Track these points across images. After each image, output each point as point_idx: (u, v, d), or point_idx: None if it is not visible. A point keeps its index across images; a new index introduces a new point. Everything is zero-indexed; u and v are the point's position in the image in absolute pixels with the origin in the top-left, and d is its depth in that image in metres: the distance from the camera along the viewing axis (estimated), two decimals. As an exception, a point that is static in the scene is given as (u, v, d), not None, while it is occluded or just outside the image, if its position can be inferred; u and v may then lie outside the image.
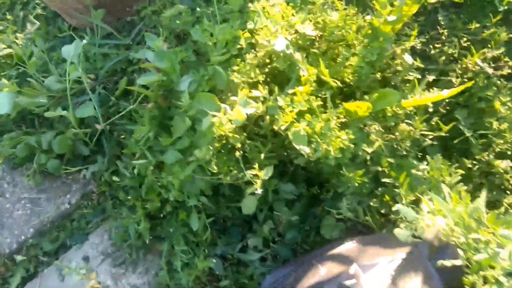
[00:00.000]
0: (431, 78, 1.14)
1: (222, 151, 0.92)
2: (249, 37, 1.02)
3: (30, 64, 1.12)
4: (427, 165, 0.92)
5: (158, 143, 0.98)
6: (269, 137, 0.96)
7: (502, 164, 0.98)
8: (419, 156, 1.00)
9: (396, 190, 0.93)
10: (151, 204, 1.02)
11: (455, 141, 1.02)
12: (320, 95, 0.96)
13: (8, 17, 1.40)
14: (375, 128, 0.97)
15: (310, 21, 1.03)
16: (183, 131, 0.93)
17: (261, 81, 0.96)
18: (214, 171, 0.90)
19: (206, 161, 0.91)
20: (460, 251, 0.71)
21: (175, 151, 0.94)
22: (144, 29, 1.19)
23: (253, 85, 0.99)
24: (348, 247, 0.85)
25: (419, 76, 1.10)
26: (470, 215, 0.73)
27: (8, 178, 1.16)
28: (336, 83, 0.95)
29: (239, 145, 0.89)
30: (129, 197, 1.05)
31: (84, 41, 1.02)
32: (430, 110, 1.00)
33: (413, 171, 0.96)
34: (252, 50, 1.01)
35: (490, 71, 1.05)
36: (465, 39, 1.13)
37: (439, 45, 1.17)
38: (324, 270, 0.80)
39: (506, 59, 1.08)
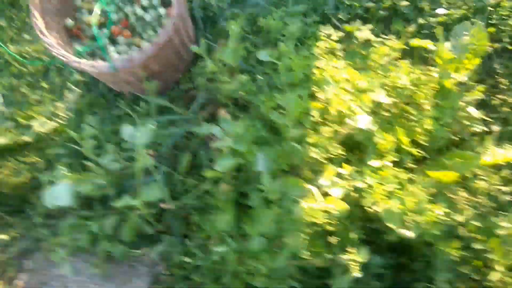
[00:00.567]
0: (495, 128, 1.15)
1: (314, 235, 0.90)
2: (320, 108, 1.01)
3: (86, 146, 1.08)
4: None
5: (239, 228, 0.95)
6: (356, 215, 0.94)
7: None
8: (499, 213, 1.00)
9: (488, 255, 0.93)
10: (234, 290, 0.99)
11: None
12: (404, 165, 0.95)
13: (44, 84, 1.35)
14: (462, 195, 0.96)
15: (381, 87, 1.03)
16: (269, 219, 0.91)
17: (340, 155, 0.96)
18: (306, 258, 0.89)
19: (297, 247, 0.89)
20: None
21: (261, 237, 0.92)
22: (201, 100, 1.17)
23: (332, 160, 0.98)
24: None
25: (486, 129, 1.11)
26: None
27: (70, 266, 1.11)
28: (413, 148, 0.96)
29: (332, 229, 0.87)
30: (206, 281, 1.02)
31: (152, 127, 0.98)
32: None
33: (498, 231, 0.96)
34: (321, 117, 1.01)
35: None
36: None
37: (500, 95, 1.18)
38: None
39: None
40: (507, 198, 1.01)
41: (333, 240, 0.87)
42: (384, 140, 0.96)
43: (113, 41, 1.21)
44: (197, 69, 1.22)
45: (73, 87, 1.33)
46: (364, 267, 0.98)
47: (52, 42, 1.02)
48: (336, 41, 1.19)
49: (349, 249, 0.87)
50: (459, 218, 0.94)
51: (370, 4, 1.30)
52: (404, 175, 0.93)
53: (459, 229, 0.96)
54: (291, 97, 1.01)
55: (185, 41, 1.17)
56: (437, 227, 0.90)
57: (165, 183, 1.10)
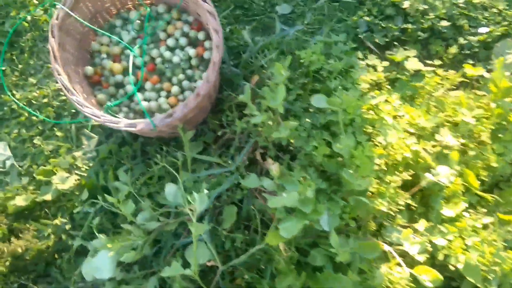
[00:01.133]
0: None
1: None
2: (382, 154, 0.95)
3: (125, 210, 0.99)
4: None
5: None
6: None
7: None
8: None
9: None
10: None
11: None
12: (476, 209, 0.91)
13: (58, 132, 1.24)
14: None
15: (444, 126, 0.98)
16: (342, 286, 0.85)
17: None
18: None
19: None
20: None
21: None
22: (241, 147, 1.09)
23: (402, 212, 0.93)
24: None
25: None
26: None
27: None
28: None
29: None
30: None
31: (206, 192, 0.90)
32: None
33: None
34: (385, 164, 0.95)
35: None
36: None
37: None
38: None
39: None
40: None
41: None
42: (453, 184, 0.92)
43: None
44: (232, 112, 1.14)
45: (91, 134, 1.22)
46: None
47: (82, 101, 0.92)
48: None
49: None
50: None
51: (408, 26, 1.24)
52: (479, 223, 0.89)
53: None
54: (349, 144, 0.94)
55: (216, 80, 1.08)
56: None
57: (210, 241, 1.02)
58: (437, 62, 1.19)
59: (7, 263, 1.10)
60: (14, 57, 1.31)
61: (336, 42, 1.16)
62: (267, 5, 1.32)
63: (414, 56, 1.18)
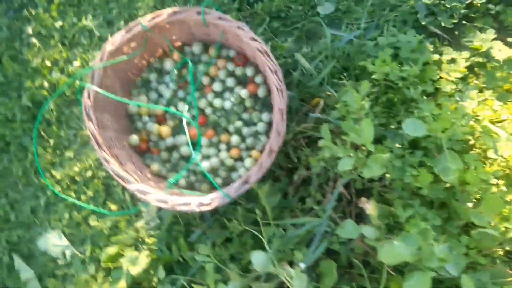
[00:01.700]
0: None
1: None
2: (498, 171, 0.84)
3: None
4: None
5: None
6: None
7: None
8: None
9: None
10: None
11: None
12: None
13: (112, 206, 1.14)
14: None
15: None
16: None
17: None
18: None
19: None
20: None
21: None
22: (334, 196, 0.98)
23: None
24: None
25: None
26: None
27: None
28: None
29: None
30: None
31: (303, 266, 0.81)
32: None
33: None
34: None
35: None
36: None
37: None
38: None
39: None
40: None
41: None
42: None
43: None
44: (300, 147, 1.02)
45: (124, 196, 1.14)
46: None
47: (143, 188, 0.83)
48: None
49: None
50: None
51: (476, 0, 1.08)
52: None
53: None
54: (454, 167, 0.83)
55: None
56: None
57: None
58: (523, 37, 1.04)
59: None
60: (43, 133, 1.20)
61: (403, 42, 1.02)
62: (306, 8, 1.17)
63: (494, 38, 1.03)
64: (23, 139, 1.20)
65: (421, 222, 0.86)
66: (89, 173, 1.16)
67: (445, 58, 1.01)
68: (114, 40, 0.92)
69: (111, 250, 1.10)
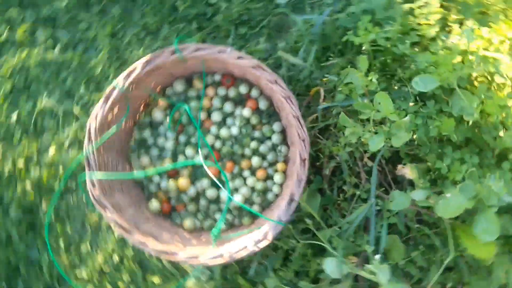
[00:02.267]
0: None
1: None
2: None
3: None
4: None
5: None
6: None
7: None
8: None
9: None
10: None
11: None
12: None
13: (125, 276, 1.09)
14: None
15: None
16: None
17: None
18: None
19: None
20: None
21: None
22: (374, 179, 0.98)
23: None
24: None
25: None
26: None
27: None
28: None
29: None
30: None
31: (378, 257, 0.82)
32: None
33: None
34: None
35: None
36: None
37: None
38: None
39: None
40: None
41: None
42: None
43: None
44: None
45: None
46: None
47: (191, 252, 0.81)
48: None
49: None
50: None
51: None
52: None
53: None
54: (472, 104, 0.86)
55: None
56: None
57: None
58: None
59: None
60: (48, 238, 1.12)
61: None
62: (265, 3, 1.16)
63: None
64: (29, 254, 1.11)
65: (461, 166, 0.90)
66: (115, 258, 1.09)
67: (417, 5, 1.04)
68: (96, 114, 0.86)
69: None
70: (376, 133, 0.89)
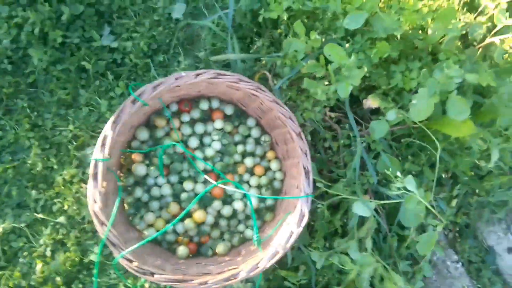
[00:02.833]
0: None
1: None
2: None
3: None
4: None
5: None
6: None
7: None
8: None
9: None
10: None
11: None
12: None
13: None
14: None
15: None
16: None
17: None
18: None
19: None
20: None
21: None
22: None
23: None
24: None
25: None
26: None
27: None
28: None
29: None
30: None
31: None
32: None
33: None
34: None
35: None
36: None
37: None
38: None
39: None
40: None
41: None
42: None
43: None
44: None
45: None
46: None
47: (245, 268, 0.83)
48: None
49: None
50: None
51: None
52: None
53: None
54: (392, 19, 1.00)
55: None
56: None
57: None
58: None
59: None
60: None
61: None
62: (164, 24, 1.18)
63: None
64: None
65: (410, 74, 1.04)
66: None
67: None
68: (93, 198, 0.81)
69: None
70: (337, 81, 0.98)
